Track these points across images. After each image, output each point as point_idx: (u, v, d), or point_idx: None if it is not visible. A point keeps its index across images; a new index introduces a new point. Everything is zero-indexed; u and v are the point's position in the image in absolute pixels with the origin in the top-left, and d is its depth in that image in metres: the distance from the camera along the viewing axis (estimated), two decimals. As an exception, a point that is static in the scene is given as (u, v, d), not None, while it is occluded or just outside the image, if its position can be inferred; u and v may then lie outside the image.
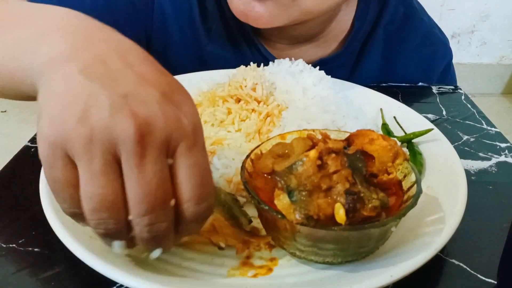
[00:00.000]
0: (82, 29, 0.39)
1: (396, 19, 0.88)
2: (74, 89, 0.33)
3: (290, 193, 0.41)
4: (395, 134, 0.65)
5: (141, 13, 0.84)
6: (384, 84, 0.88)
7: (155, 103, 0.33)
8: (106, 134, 0.31)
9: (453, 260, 0.47)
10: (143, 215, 0.33)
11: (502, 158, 0.65)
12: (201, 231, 0.44)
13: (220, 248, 0.45)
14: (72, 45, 0.36)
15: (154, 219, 0.33)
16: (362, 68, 0.89)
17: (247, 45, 0.87)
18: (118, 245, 0.36)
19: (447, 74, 0.95)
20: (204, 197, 0.35)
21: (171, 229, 0.35)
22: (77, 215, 0.35)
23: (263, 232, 0.48)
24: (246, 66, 0.71)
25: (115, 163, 0.32)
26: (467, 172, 0.60)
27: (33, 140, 0.66)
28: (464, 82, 2.66)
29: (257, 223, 0.49)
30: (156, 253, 0.37)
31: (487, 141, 0.70)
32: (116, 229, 0.34)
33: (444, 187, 0.52)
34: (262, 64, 0.73)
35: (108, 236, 0.35)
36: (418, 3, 0.93)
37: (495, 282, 0.45)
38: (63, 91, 0.33)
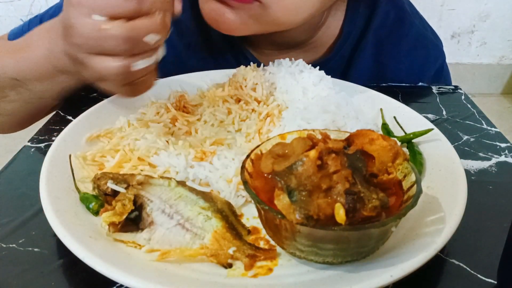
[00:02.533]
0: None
1: (387, 23, 0.87)
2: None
3: (290, 193, 0.41)
4: (395, 134, 0.65)
5: None
6: (384, 84, 0.88)
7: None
8: None
9: (453, 260, 0.47)
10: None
11: (502, 158, 0.65)
12: (205, 251, 0.44)
13: (229, 265, 0.44)
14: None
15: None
16: (353, 73, 0.88)
17: (233, 54, 0.86)
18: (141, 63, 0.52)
19: (439, 77, 0.93)
20: None
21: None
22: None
23: (263, 232, 0.48)
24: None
25: None
26: (467, 172, 0.60)
27: (33, 140, 0.66)
28: (464, 82, 2.66)
29: (257, 223, 0.49)
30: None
31: (487, 141, 0.70)
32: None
33: (444, 187, 0.52)
34: (262, 65, 0.73)
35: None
36: (411, 5, 0.92)
37: (495, 282, 0.45)
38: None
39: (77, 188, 0.52)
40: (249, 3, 0.66)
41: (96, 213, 0.50)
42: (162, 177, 0.53)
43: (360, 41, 0.87)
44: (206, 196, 0.50)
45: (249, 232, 0.49)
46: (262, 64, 0.73)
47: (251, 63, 0.72)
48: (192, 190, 0.51)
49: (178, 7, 0.55)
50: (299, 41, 0.86)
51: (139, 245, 0.46)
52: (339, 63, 0.88)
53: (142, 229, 0.47)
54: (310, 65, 0.84)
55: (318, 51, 0.88)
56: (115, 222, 0.46)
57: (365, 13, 0.86)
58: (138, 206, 0.48)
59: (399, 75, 0.89)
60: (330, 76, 0.70)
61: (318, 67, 0.71)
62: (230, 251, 0.44)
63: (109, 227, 0.46)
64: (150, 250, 0.45)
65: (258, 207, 0.45)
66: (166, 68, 0.88)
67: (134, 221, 0.48)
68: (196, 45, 0.86)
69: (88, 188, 0.53)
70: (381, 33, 0.87)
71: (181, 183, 0.52)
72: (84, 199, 0.51)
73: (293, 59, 0.73)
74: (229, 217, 0.49)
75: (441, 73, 0.94)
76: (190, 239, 0.46)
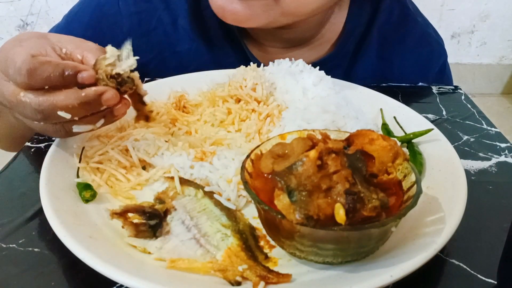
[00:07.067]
0: None
1: (391, 20, 0.87)
2: None
3: (290, 193, 0.41)
4: (395, 134, 0.65)
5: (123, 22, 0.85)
6: (384, 84, 0.88)
7: None
8: None
9: (453, 260, 0.47)
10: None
11: (502, 158, 0.65)
12: (213, 265, 0.43)
13: (237, 283, 0.42)
14: None
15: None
16: (357, 69, 0.89)
17: (236, 51, 0.86)
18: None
19: (443, 74, 0.94)
20: None
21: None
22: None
23: (263, 232, 0.48)
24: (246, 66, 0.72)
25: None
26: (467, 172, 0.60)
27: (33, 140, 0.66)
28: (464, 82, 2.66)
29: (257, 223, 0.49)
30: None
31: (487, 141, 0.70)
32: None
33: (444, 187, 0.52)
34: (262, 65, 0.73)
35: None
36: (413, 3, 0.93)
37: (495, 282, 0.45)
38: None
39: (78, 176, 0.54)
40: None
41: (86, 201, 0.50)
42: (189, 181, 0.53)
43: (364, 37, 0.87)
44: (230, 214, 0.49)
45: (266, 257, 0.46)
46: (262, 64, 0.73)
47: (251, 63, 0.72)
48: (217, 204, 0.50)
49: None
50: (305, 37, 0.86)
51: (149, 252, 0.45)
52: (343, 59, 0.88)
53: (157, 237, 0.46)
54: (314, 63, 0.84)
55: (322, 48, 0.89)
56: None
57: (369, 9, 0.87)
58: (164, 212, 0.48)
59: (403, 72, 0.89)
60: (330, 76, 0.70)
61: (318, 67, 0.70)
62: (240, 268, 0.43)
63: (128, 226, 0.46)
64: (159, 258, 0.44)
65: (258, 207, 0.45)
66: (167, 69, 0.88)
67: (153, 228, 0.47)
68: (197, 48, 0.86)
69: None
70: (385, 30, 0.87)
71: (208, 195, 0.51)
72: (79, 185, 0.52)
73: (293, 59, 0.72)
74: (248, 240, 0.47)
75: (444, 71, 0.95)
76: (201, 255, 0.45)
